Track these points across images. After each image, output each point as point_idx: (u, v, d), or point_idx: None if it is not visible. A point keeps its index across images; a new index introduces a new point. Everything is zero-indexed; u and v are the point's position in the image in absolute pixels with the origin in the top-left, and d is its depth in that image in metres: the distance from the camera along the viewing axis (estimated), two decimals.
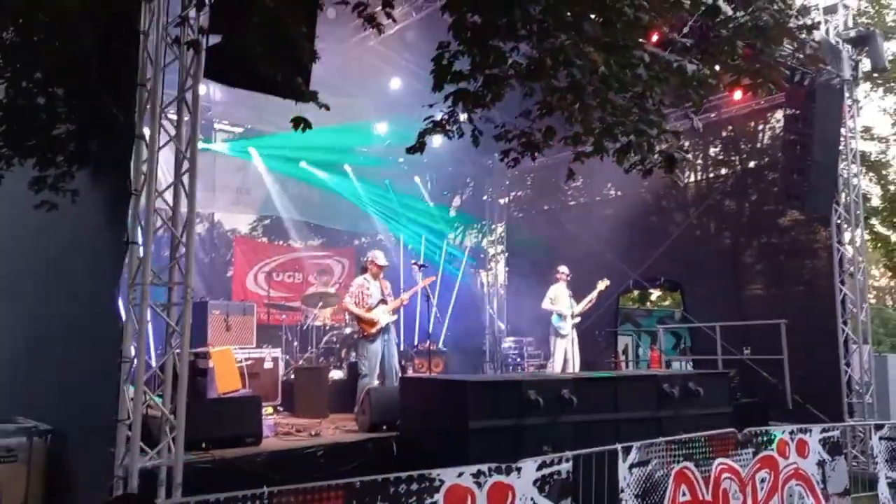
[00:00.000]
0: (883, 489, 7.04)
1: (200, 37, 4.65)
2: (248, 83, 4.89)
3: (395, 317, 8.72)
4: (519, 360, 13.27)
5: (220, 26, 4.56)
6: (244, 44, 4.25)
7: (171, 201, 5.05)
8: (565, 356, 10.05)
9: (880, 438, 7.30)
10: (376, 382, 8.21)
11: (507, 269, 15.53)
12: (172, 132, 5.03)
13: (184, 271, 4.99)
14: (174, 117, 5.09)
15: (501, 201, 15.64)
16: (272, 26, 4.23)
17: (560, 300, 10.14)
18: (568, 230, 13.51)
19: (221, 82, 5.10)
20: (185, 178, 5.04)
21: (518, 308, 14.37)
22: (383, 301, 8.51)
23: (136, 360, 4.75)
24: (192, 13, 4.80)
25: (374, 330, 8.35)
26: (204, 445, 5.67)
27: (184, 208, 5.05)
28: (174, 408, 4.89)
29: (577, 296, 10.58)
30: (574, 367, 10.10)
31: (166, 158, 5.21)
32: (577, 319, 10.23)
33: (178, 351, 5.01)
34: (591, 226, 13.03)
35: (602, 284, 10.34)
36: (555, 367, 9.99)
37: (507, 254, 15.56)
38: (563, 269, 10.42)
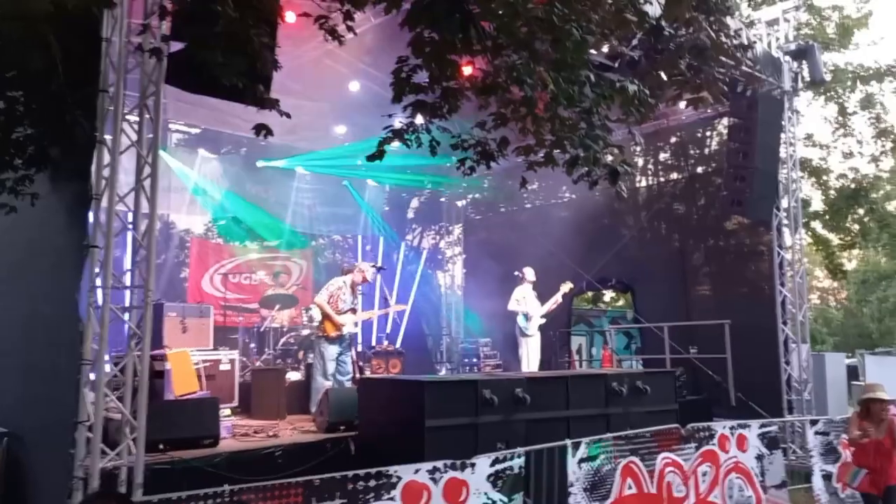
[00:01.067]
0: (817, 482, 7.41)
1: (163, 44, 4.72)
2: (209, 90, 4.96)
3: (357, 329, 8.87)
4: (475, 360, 13.47)
5: (183, 34, 4.64)
6: (206, 52, 4.34)
7: (131, 205, 5.10)
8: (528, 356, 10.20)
9: (815, 433, 7.69)
10: (329, 383, 8.32)
11: (464, 270, 15.72)
12: (134, 137, 5.08)
13: (144, 274, 5.05)
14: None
15: (459, 203, 15.82)
16: (234, 35, 4.33)
17: (527, 301, 10.27)
18: (524, 232, 13.74)
19: (183, 88, 5.14)
20: (147, 183, 5.10)
21: (475, 309, 14.58)
22: (352, 310, 8.65)
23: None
24: (154, 21, 4.86)
25: (335, 334, 8.47)
26: (161, 447, 5.73)
27: (145, 212, 5.12)
28: (135, 409, 4.95)
29: (539, 297, 10.76)
30: (533, 366, 10.24)
31: (127, 163, 5.25)
32: (543, 321, 10.36)
33: (138, 353, 5.07)
34: (546, 228, 13.28)
35: (566, 286, 10.51)
36: (522, 367, 10.13)
37: (464, 255, 15.74)
38: (530, 270, 10.54)
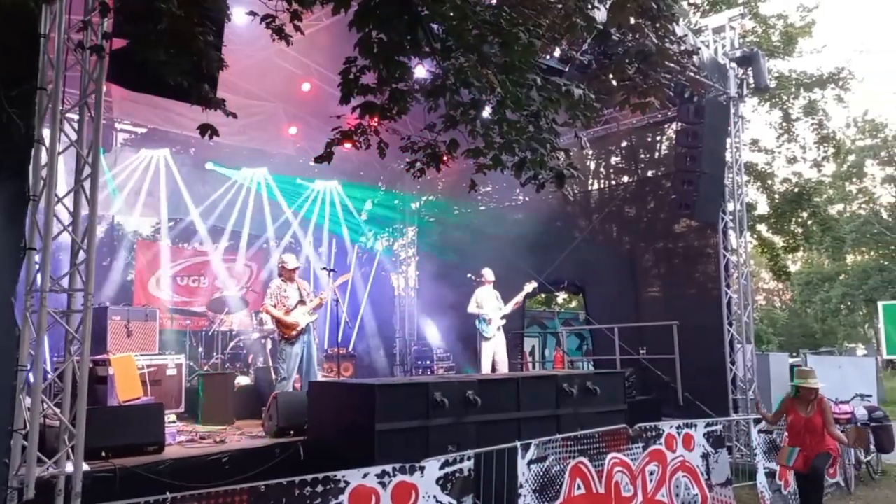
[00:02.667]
0: (761, 479, 7.61)
1: (104, 42, 4.60)
2: (153, 89, 4.87)
3: (315, 316, 8.72)
4: (429, 363, 13.47)
5: (125, 31, 4.53)
6: (149, 50, 4.25)
7: (71, 207, 4.96)
8: (494, 359, 10.06)
9: (759, 432, 7.90)
10: (289, 385, 8.20)
11: (417, 272, 15.69)
12: (74, 136, 4.94)
13: (84, 278, 4.90)
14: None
15: (413, 205, 15.80)
16: (179, 33, 4.24)
17: (486, 303, 10.17)
18: (478, 234, 13.78)
19: (125, 87, 5.03)
20: (87, 183, 4.96)
21: (429, 311, 14.57)
22: (302, 302, 8.51)
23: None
24: (95, 18, 4.73)
25: (294, 332, 8.35)
26: (104, 454, 5.58)
27: (85, 213, 4.97)
28: (73, 416, 4.80)
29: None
30: (503, 369, 10.17)
31: (66, 163, 5.11)
32: (503, 322, 10.32)
33: (77, 358, 4.92)
34: (500, 230, 13.35)
35: (530, 286, 10.50)
36: (482, 370, 10.05)
37: (418, 258, 15.73)
38: (489, 271, 10.42)
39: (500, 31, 3.95)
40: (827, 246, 28.66)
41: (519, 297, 10.36)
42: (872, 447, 9.36)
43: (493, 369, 10.01)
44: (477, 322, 10.12)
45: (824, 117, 20.61)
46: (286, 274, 8.67)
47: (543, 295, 19.35)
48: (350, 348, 13.09)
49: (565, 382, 7.02)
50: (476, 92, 4.01)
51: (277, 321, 8.44)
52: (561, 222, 13.11)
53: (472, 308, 10.22)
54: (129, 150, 11.85)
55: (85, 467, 4.88)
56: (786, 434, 6.87)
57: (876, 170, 35.80)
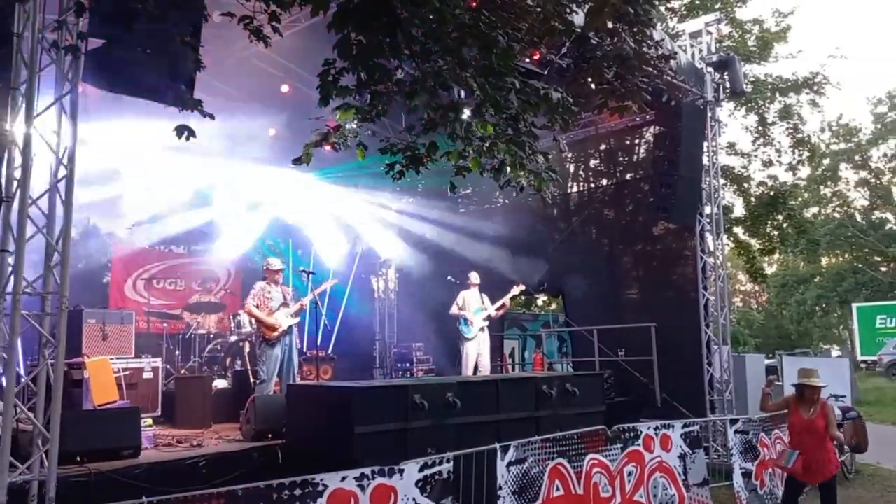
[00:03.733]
0: (738, 479, 7.68)
1: (79, 42, 4.55)
2: (129, 89, 4.83)
3: (297, 320, 8.69)
4: (408, 365, 13.44)
5: (101, 31, 4.49)
6: (126, 50, 4.21)
7: (45, 208, 4.90)
8: (477, 360, 10.13)
9: (735, 432, 7.96)
10: (270, 388, 8.15)
11: (397, 275, 15.65)
12: (49, 137, 4.88)
13: (59, 280, 4.85)
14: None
15: (393, 206, 15.73)
16: (155, 34, 4.21)
17: (469, 305, 10.22)
18: (458, 236, 13.78)
19: (101, 87, 4.97)
20: (62, 185, 4.90)
21: (408, 314, 14.53)
22: (285, 304, 8.49)
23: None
24: (70, 17, 4.68)
25: (275, 334, 8.31)
26: (79, 458, 5.51)
27: (59, 214, 4.91)
28: (47, 421, 4.74)
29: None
30: (486, 370, 10.21)
31: (41, 163, 5.04)
32: (486, 323, 10.34)
33: (52, 361, 4.86)
34: (479, 232, 13.36)
35: (517, 289, 10.53)
36: (463, 371, 10.10)
37: (398, 260, 15.67)
38: (474, 274, 10.52)
39: (480, 34, 3.97)
40: (802, 248, 29.10)
41: (505, 300, 10.40)
42: (847, 447, 9.49)
43: (476, 370, 10.05)
44: (458, 323, 10.17)
45: (799, 121, 20.91)
46: (270, 276, 8.65)
47: (523, 297, 19.39)
48: (329, 351, 13.01)
49: (544, 384, 7.05)
50: (455, 94, 4.02)
51: (259, 322, 8.41)
52: (540, 225, 13.14)
53: (453, 310, 10.31)
54: None
55: (59, 472, 4.82)
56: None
57: (850, 173, 36.46)
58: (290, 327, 8.47)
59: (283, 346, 8.40)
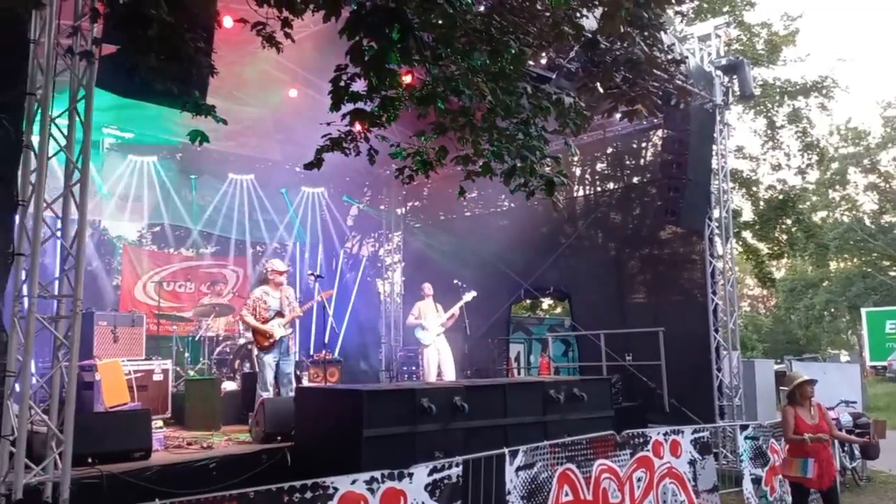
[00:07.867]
0: (747, 485, 7.63)
1: (94, 47, 4.60)
2: (143, 95, 4.87)
3: (290, 330, 8.73)
4: (414, 368, 13.44)
5: (115, 37, 4.53)
6: (139, 56, 4.25)
7: (60, 212, 4.94)
8: (440, 367, 10.30)
9: (745, 438, 7.92)
10: (270, 393, 8.19)
11: (403, 278, 15.68)
12: (63, 141, 4.93)
13: (73, 283, 4.89)
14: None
15: (398, 211, 15.80)
16: (168, 39, 4.25)
17: (426, 315, 10.44)
18: (463, 240, 13.80)
19: (115, 93, 5.02)
20: (76, 189, 4.94)
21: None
22: (280, 314, 8.52)
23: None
24: (85, 23, 4.73)
25: (267, 343, 8.36)
26: (91, 460, 5.54)
27: (74, 218, 4.96)
28: (61, 423, 4.78)
29: (478, 304, 10.83)
30: (450, 372, 10.33)
31: (56, 168, 5.10)
32: (442, 329, 10.43)
33: (65, 364, 4.90)
34: (485, 236, 13.38)
35: (468, 295, 10.58)
36: (425, 378, 10.26)
37: (403, 263, 15.72)
38: (428, 286, 10.77)
39: (491, 39, 3.99)
40: (811, 253, 28.99)
41: (454, 309, 10.43)
42: (857, 454, 9.45)
43: (439, 374, 10.23)
44: (414, 331, 10.46)
45: (808, 125, 20.86)
46: (275, 277, 8.69)
47: (528, 301, 19.39)
48: (336, 354, 13.05)
49: (552, 389, 7.05)
50: (466, 99, 4.04)
51: (253, 329, 8.47)
52: (546, 228, 13.14)
53: (410, 320, 10.67)
54: (116, 156, 11.78)
55: (72, 474, 4.86)
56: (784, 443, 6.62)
57: (859, 177, 36.26)
58: (282, 338, 8.51)
59: (278, 353, 8.48)
